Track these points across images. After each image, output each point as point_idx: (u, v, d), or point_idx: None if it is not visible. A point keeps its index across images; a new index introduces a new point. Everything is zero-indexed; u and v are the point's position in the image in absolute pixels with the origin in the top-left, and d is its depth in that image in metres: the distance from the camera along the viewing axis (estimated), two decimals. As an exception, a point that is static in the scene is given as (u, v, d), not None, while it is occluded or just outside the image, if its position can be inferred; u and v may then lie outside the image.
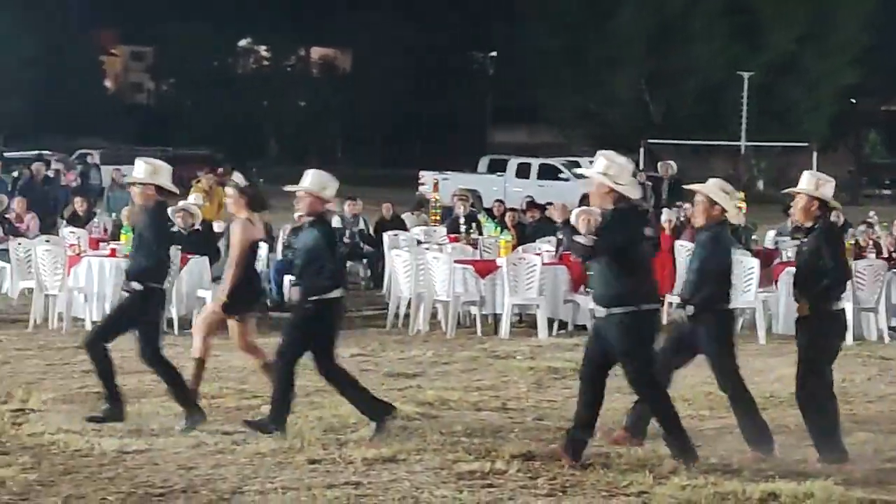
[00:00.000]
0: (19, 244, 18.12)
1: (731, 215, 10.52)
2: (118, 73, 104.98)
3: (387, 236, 21.76)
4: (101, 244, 18.83)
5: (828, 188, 10.23)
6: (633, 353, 9.76)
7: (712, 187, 10.46)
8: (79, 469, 9.51)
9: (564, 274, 17.44)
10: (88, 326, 16.47)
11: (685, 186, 11.33)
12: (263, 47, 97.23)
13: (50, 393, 12.21)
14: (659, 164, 30.17)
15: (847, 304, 10.82)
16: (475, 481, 9.34)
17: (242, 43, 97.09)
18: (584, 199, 33.39)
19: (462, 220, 21.98)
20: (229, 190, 12.14)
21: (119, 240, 17.85)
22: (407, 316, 17.54)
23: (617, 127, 66.94)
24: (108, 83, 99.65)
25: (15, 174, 29.95)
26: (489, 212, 25.19)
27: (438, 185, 34.75)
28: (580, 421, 9.99)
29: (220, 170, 27.90)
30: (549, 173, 46.29)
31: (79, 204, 24.19)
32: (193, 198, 20.80)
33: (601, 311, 9.83)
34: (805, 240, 10.36)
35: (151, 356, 11.07)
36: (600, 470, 9.66)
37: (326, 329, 10.88)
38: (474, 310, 17.50)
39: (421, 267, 17.40)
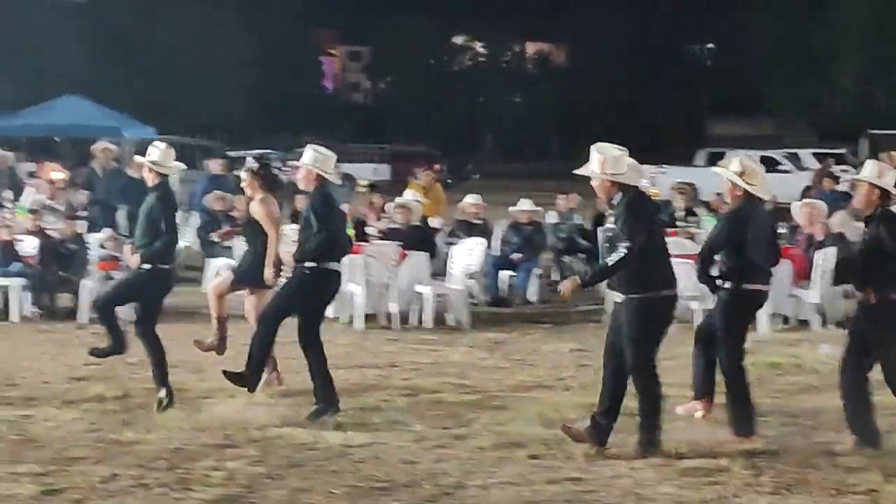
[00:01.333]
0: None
1: (758, 193, 10.71)
2: (336, 73, 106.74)
3: (602, 230, 21.61)
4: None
5: (890, 177, 10.18)
6: (640, 340, 9.82)
7: (729, 171, 10.70)
8: (304, 462, 9.66)
9: (787, 268, 17.12)
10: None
11: (713, 169, 11.44)
12: (479, 44, 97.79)
13: (275, 387, 12.44)
14: (884, 153, 29.34)
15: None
16: (698, 478, 9.21)
17: (458, 40, 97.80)
18: (806, 192, 32.79)
19: (680, 214, 21.74)
20: (243, 174, 12.86)
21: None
22: (625, 311, 17.40)
23: (839, 117, 65.49)
24: (326, 83, 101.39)
25: (238, 173, 30.61)
26: (707, 205, 24.85)
27: (655, 179, 34.45)
28: (603, 406, 10.04)
29: (438, 166, 28.14)
30: (768, 165, 45.44)
31: (299, 202, 24.60)
32: (411, 194, 21.02)
33: (619, 297, 9.91)
34: (867, 228, 10.28)
35: (144, 331, 11.61)
36: (827, 468, 9.45)
37: (316, 296, 11.41)
38: (693, 304, 17.27)
39: (639, 261, 17.22)
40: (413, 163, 44.21)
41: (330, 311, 16.96)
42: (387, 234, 18.71)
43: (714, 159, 47.30)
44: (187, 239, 23.91)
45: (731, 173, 10.68)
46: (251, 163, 13.43)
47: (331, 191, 11.62)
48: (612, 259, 9.82)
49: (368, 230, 20.38)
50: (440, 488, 8.97)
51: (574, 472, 9.38)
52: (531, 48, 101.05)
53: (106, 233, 18.75)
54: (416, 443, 10.26)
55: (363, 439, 10.30)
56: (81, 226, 18.79)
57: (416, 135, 76.15)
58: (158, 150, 11.90)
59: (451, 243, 19.41)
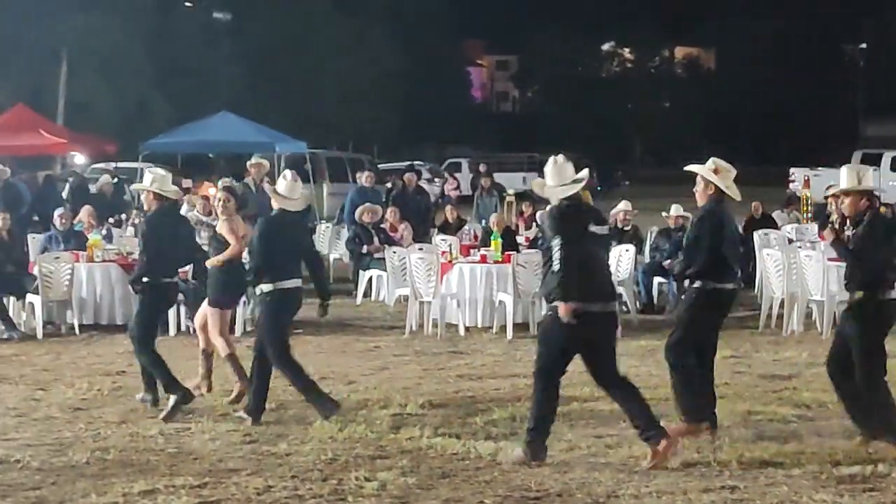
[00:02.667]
0: (394, 253, 18.62)
1: (730, 192, 10.63)
2: (484, 83, 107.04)
3: (757, 235, 21.38)
4: (472, 251, 19.15)
5: (868, 177, 10.28)
6: (542, 351, 9.91)
7: (705, 168, 10.61)
8: (456, 472, 9.67)
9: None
10: (461, 332, 16.81)
11: (685, 168, 11.13)
12: (626, 50, 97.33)
13: (427, 397, 12.47)
14: None
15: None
16: (856, 485, 9.06)
17: (606, 47, 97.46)
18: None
19: (834, 217, 21.35)
20: (220, 193, 12.87)
21: (489, 246, 18.13)
22: (780, 316, 17.17)
23: None
24: (475, 93, 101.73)
25: (388, 185, 30.87)
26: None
27: (810, 182, 33.92)
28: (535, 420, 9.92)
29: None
30: (926, 166, 44.63)
31: (449, 212, 24.74)
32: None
33: (546, 308, 9.80)
34: (855, 230, 10.37)
35: (137, 342, 12.12)
36: None
37: (285, 316, 11.67)
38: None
39: (793, 266, 17.00)
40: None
41: (479, 321, 17.04)
42: (536, 243, 18.67)
43: (869, 160, 46.52)
44: (338, 251, 24.19)
45: (706, 170, 10.57)
46: (226, 181, 13.58)
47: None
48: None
49: (518, 239, 20.40)
50: (593, 498, 8.92)
51: (728, 480, 9.26)
52: (679, 53, 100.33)
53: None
54: (568, 452, 10.21)
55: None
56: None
57: (565, 142, 75.94)
58: (153, 176, 12.19)
59: (600, 251, 19.26)
